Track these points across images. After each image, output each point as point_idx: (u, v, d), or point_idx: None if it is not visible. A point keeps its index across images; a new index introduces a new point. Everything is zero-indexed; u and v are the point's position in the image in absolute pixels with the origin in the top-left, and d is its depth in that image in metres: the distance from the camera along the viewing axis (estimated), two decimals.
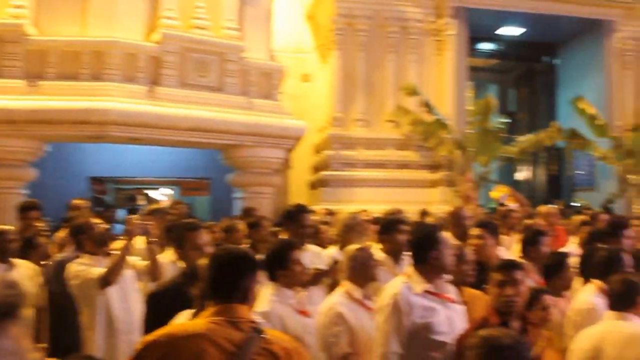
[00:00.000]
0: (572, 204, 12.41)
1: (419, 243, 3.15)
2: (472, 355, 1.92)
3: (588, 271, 3.67)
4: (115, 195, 12.10)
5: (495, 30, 13.32)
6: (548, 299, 3.23)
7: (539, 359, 2.83)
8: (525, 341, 2.04)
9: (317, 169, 11.62)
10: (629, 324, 2.94)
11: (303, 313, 3.36)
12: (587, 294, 3.46)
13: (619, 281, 3.07)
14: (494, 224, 4.64)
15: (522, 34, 13.57)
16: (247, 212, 7.41)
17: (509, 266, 2.87)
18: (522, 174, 14.40)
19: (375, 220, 5.96)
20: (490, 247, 4.21)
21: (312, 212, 4.70)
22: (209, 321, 1.96)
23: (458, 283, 3.40)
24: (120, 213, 9.49)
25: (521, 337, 2.07)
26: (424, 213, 8.53)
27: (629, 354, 2.84)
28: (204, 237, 3.52)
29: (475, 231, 4.26)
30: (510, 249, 5.08)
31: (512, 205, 8.72)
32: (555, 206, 8.03)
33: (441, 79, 11.60)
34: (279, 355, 1.96)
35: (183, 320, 2.41)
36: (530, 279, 3.76)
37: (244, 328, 1.97)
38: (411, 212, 8.23)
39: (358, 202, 9.88)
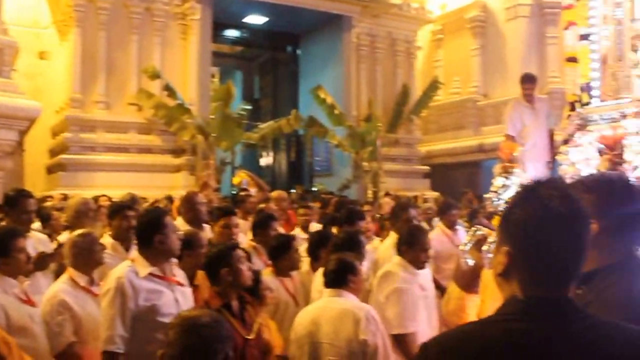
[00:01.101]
0: (312, 189, 16.19)
1: (144, 227, 3.81)
2: (172, 334, 2.34)
3: (317, 253, 4.86)
4: None
5: (241, 18, 16.42)
6: (269, 280, 4.25)
7: (258, 337, 3.58)
8: (222, 320, 2.50)
9: (54, 152, 13.28)
10: (343, 300, 3.78)
11: (28, 302, 3.78)
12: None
13: (334, 260, 3.91)
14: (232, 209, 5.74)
15: (266, 23, 16.83)
16: None
17: (230, 248, 3.73)
18: (265, 160, 18.00)
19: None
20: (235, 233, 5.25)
21: (34, 197, 5.24)
22: None
23: (192, 267, 4.19)
24: None
25: (219, 317, 2.53)
26: (169, 198, 10.25)
27: (341, 328, 3.64)
28: None
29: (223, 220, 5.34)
30: (247, 233, 6.06)
31: (252, 190, 11.42)
32: (285, 191, 10.65)
33: (185, 64, 14.13)
34: None
35: None
36: (261, 261, 5.14)
37: None
38: (154, 197, 10.28)
39: (99, 187, 11.55)
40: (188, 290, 3.91)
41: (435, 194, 15.05)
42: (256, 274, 3.89)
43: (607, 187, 2.07)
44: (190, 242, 4.35)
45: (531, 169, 7.52)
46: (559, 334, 1.52)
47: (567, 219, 1.56)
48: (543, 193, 1.59)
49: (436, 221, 7.63)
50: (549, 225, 1.55)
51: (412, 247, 4.70)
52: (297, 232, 6.87)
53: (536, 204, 1.58)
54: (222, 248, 3.75)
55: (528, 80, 8.30)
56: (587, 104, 5.75)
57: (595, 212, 1.89)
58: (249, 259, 3.89)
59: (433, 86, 15.97)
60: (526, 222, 1.58)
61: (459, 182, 15.31)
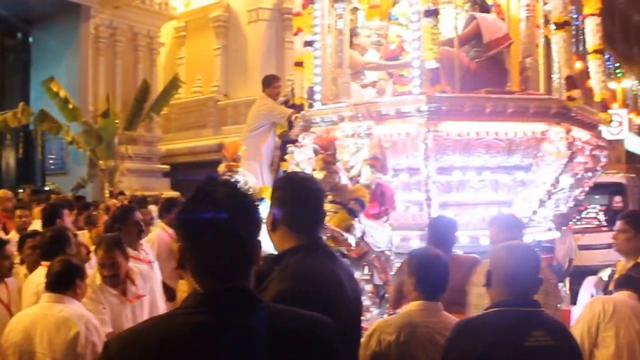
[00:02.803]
0: (44, 188, 15.23)
1: None
2: None
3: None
4: None
5: None
6: None
7: None
8: None
9: None
10: (62, 306, 3.58)
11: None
12: (38, 275, 4.23)
13: (58, 262, 3.74)
14: None
15: None
16: None
17: None
18: None
19: None
20: None
21: None
22: None
23: None
24: None
25: None
26: None
27: (57, 339, 3.46)
28: None
29: None
30: None
31: None
32: (10, 191, 10.13)
33: None
34: None
35: None
36: None
37: None
38: None
39: None
40: None
41: (176, 194, 15.02)
42: None
43: (288, 185, 2.57)
44: None
45: (258, 169, 7.83)
46: (235, 324, 1.62)
47: (231, 216, 1.67)
48: (212, 192, 1.70)
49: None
50: (213, 224, 1.66)
51: None
52: (13, 235, 6.47)
53: (204, 202, 1.68)
54: None
55: (275, 79, 8.67)
56: (311, 106, 6.13)
57: (277, 205, 2.48)
58: None
59: (174, 84, 15.90)
60: (192, 220, 1.68)
61: (200, 182, 15.39)
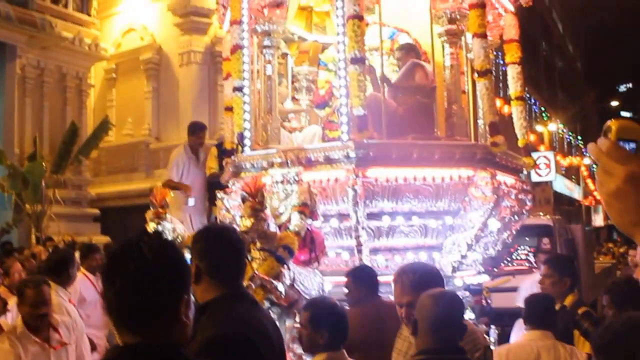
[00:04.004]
0: None
1: None
2: None
3: None
4: None
5: None
6: None
7: None
8: None
9: None
10: None
11: None
12: None
13: None
14: None
15: None
16: None
17: None
18: None
19: None
20: None
21: None
22: None
23: None
24: None
25: None
26: None
27: None
28: None
29: None
30: None
31: None
32: None
33: None
34: None
35: None
36: None
37: None
38: None
39: None
40: None
41: (106, 239, 14.72)
42: None
43: (209, 237, 2.69)
44: None
45: (188, 216, 7.78)
46: None
47: (152, 267, 1.66)
48: (139, 246, 1.69)
49: None
50: (126, 271, 1.65)
51: None
52: None
53: (133, 258, 1.67)
54: None
55: (200, 129, 8.67)
56: (241, 151, 6.13)
57: (199, 257, 2.59)
58: None
59: (104, 126, 15.67)
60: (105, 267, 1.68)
61: (131, 226, 15.12)
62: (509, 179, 6.06)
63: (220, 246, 2.61)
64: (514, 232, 6.54)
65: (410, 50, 6.76)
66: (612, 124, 1.29)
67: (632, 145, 1.27)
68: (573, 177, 35.63)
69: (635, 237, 1.25)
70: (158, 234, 1.94)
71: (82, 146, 15.48)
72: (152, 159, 16.62)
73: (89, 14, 17.30)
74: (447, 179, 5.49)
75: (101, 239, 14.77)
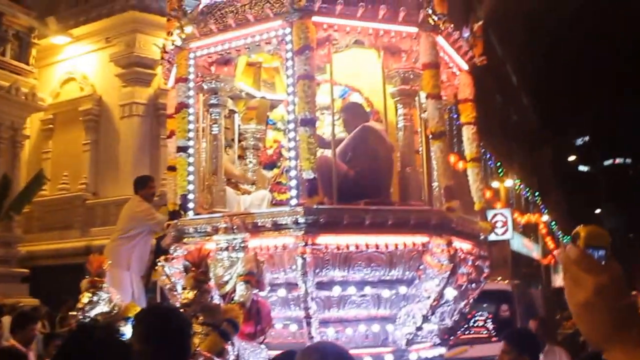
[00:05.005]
0: None
1: None
2: None
3: None
4: None
5: None
6: None
7: None
8: None
9: None
10: None
11: None
12: None
13: None
14: None
15: None
16: None
17: None
18: None
19: None
20: None
21: None
22: None
23: None
24: None
25: None
26: None
27: None
28: None
29: None
30: None
31: None
32: None
33: None
34: None
35: None
36: None
37: None
38: None
39: None
40: None
41: (35, 301, 14.25)
42: None
43: (151, 320, 2.70)
44: None
45: (127, 279, 7.59)
46: None
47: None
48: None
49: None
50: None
51: None
52: None
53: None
54: None
55: (151, 180, 8.61)
56: (184, 215, 6.02)
57: (139, 340, 2.58)
58: None
59: (38, 180, 15.36)
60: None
61: (63, 287, 14.67)
62: (466, 245, 6.07)
63: (163, 331, 2.59)
64: (471, 300, 6.53)
65: (357, 114, 6.70)
66: (580, 230, 1.31)
67: (601, 252, 1.29)
68: (531, 234, 36.15)
69: (605, 352, 1.24)
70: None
71: (13, 201, 15.09)
72: (89, 215, 16.31)
73: (27, 63, 17.09)
74: (401, 246, 5.46)
75: (30, 301, 14.30)
